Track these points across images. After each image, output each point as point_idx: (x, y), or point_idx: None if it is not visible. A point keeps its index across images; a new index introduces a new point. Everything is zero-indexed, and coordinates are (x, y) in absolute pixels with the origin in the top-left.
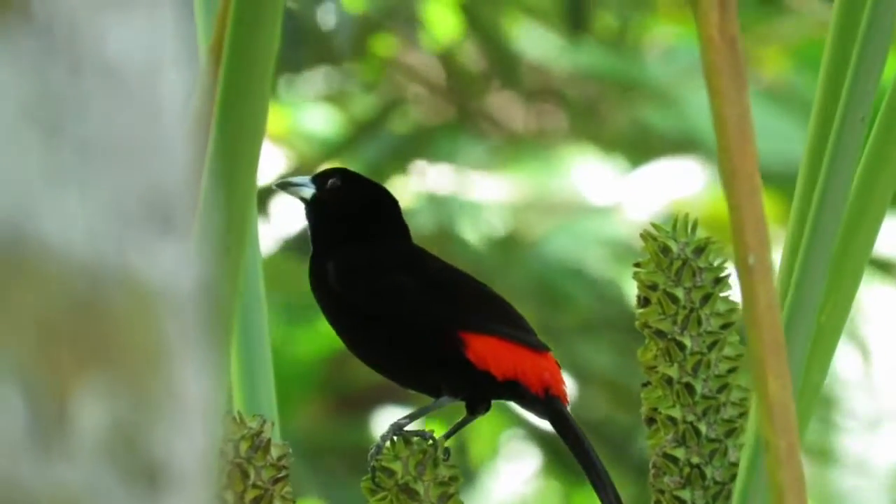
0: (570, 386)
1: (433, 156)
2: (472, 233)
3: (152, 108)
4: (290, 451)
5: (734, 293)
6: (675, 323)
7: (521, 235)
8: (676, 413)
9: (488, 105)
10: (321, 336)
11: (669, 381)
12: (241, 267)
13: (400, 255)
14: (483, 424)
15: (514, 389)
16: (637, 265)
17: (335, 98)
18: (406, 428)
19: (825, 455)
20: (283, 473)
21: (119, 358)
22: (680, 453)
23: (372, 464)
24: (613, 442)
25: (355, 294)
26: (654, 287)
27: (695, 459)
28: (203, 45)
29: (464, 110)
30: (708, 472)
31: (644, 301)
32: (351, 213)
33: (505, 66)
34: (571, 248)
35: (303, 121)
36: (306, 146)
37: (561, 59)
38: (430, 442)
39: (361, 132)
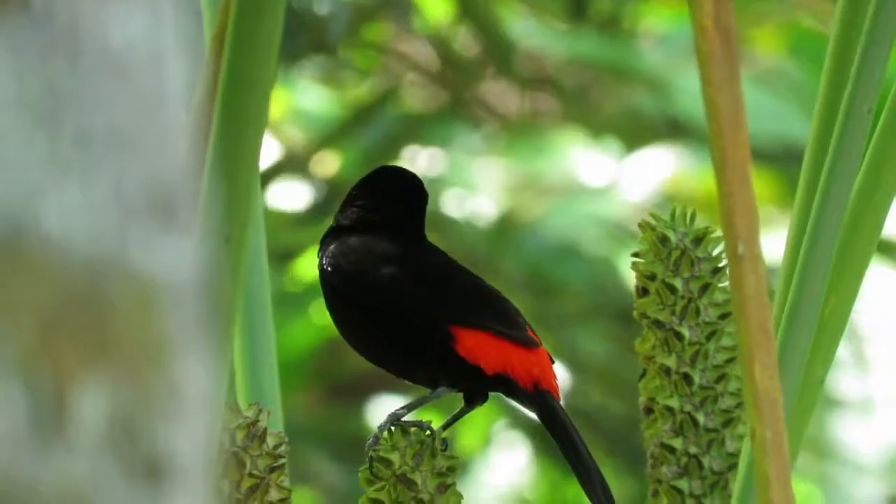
0: (564, 375)
1: (427, 141)
2: (466, 216)
3: (154, 100)
4: (286, 440)
5: None
6: (673, 313)
7: (515, 218)
8: (674, 403)
9: (482, 92)
10: (316, 324)
11: (667, 371)
12: (243, 258)
13: (396, 247)
14: (475, 415)
15: (504, 384)
16: (635, 255)
17: (330, 83)
18: (403, 418)
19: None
20: (279, 462)
21: (120, 351)
22: (678, 443)
23: (370, 454)
24: (609, 432)
25: (344, 283)
26: (652, 277)
27: (692, 449)
28: (208, 35)
29: (458, 97)
30: (706, 462)
31: (642, 291)
32: (362, 200)
33: (499, 53)
34: (566, 229)
35: (299, 105)
36: (301, 131)
37: (555, 45)
38: (428, 432)
39: (356, 118)
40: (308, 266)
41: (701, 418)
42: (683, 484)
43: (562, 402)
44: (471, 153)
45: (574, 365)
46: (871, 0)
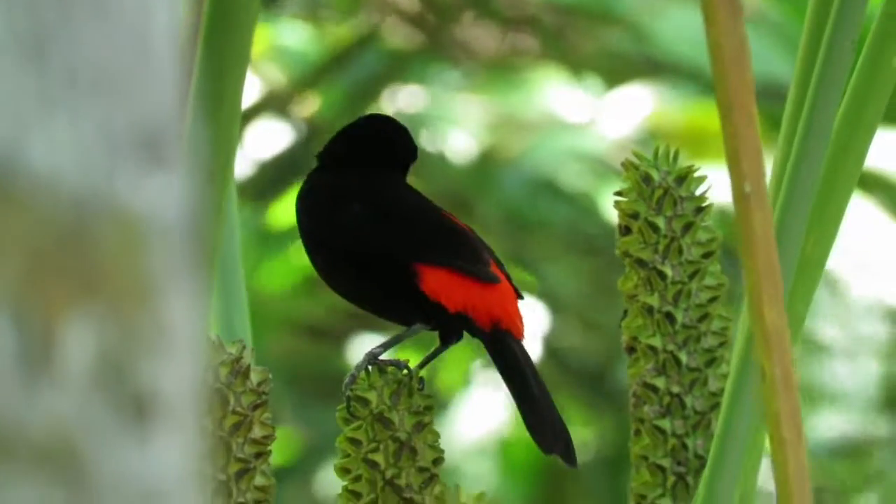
0: (542, 314)
1: (407, 80)
2: (446, 154)
3: (142, 38)
4: (270, 376)
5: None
6: (656, 252)
7: (495, 154)
8: (657, 342)
9: (462, 32)
10: (295, 263)
11: (650, 310)
12: (226, 194)
13: (362, 187)
14: (453, 354)
15: (465, 322)
16: (618, 193)
17: (312, 20)
18: (380, 357)
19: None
20: (262, 399)
21: (107, 288)
22: (660, 383)
23: (347, 393)
24: (587, 371)
25: (312, 223)
26: (635, 216)
27: (675, 389)
28: None
29: (437, 38)
30: (688, 401)
31: (625, 230)
32: (339, 144)
33: None
34: (546, 165)
35: (280, 42)
36: (282, 70)
37: None
38: (405, 371)
39: (337, 59)
40: (287, 207)
41: (684, 358)
42: (666, 423)
43: (525, 341)
44: (451, 91)
45: (553, 303)
46: None
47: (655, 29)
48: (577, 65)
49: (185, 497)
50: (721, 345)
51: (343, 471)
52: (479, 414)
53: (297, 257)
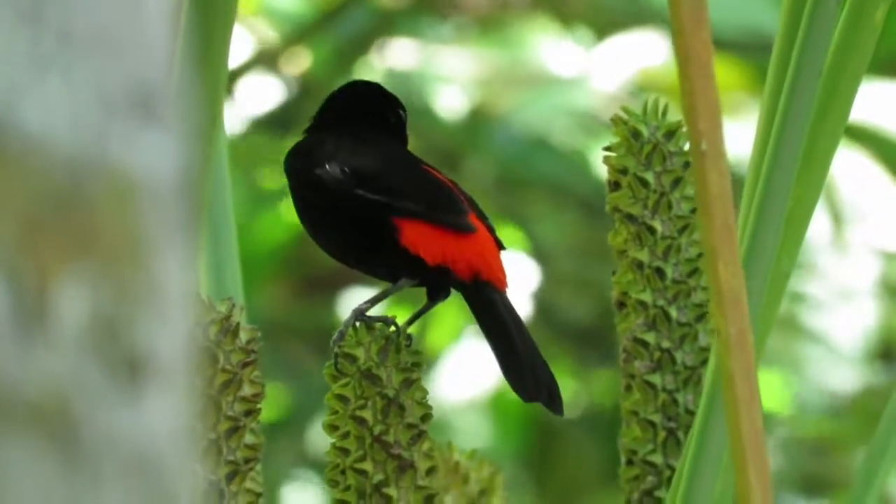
0: (532, 269)
1: (398, 35)
2: (437, 108)
3: None
4: (260, 334)
5: None
6: (645, 207)
7: (486, 109)
8: (647, 297)
9: None
10: (285, 218)
11: (640, 265)
12: (214, 150)
13: (344, 144)
14: (444, 310)
15: (446, 274)
16: (607, 149)
17: None
18: (368, 314)
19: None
20: (251, 357)
21: (100, 248)
22: (650, 338)
23: (335, 350)
24: (578, 327)
25: (296, 182)
26: (624, 171)
27: (665, 344)
28: None
29: None
30: (678, 356)
31: (614, 185)
32: (329, 108)
33: None
34: (537, 120)
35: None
36: (272, 26)
37: None
38: (393, 328)
39: (327, 15)
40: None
41: (674, 313)
42: (656, 378)
43: (508, 293)
44: (441, 45)
45: (543, 260)
46: None
47: None
48: (567, 17)
49: (177, 456)
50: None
51: (331, 427)
52: (470, 370)
53: (289, 214)
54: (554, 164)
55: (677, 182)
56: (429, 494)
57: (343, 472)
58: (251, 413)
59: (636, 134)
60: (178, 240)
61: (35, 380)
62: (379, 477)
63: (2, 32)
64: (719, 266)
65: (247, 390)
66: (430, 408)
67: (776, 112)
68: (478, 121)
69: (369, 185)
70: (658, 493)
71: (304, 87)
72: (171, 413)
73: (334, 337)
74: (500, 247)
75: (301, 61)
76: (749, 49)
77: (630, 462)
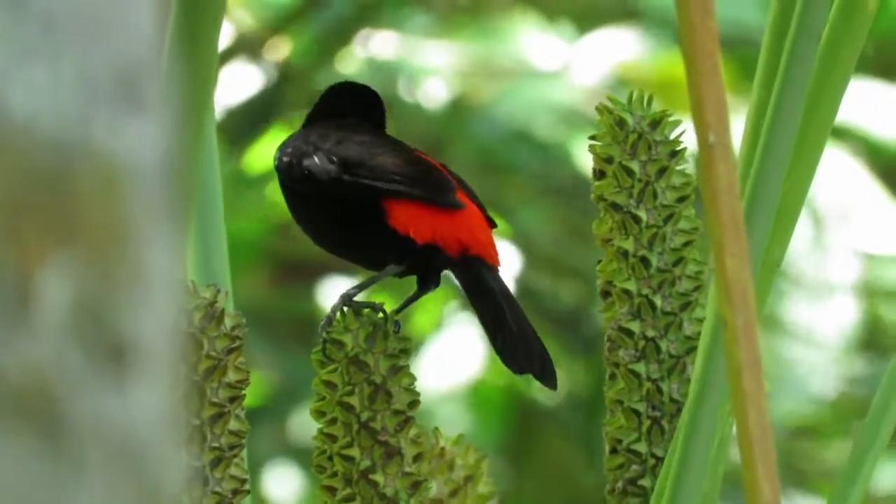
0: (515, 259)
1: (379, 25)
2: (418, 100)
3: None
4: (244, 321)
5: (690, 167)
6: (630, 196)
7: (468, 101)
8: (632, 286)
9: None
10: (269, 205)
11: (625, 254)
12: (202, 138)
13: (329, 135)
14: (425, 299)
15: (435, 253)
16: (593, 138)
17: None
18: (355, 300)
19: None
20: (236, 344)
21: (85, 234)
22: (635, 326)
23: (322, 336)
24: (563, 316)
25: (284, 174)
26: (609, 160)
27: (650, 333)
28: None
29: None
30: (663, 345)
31: (600, 174)
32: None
33: None
34: (518, 113)
35: None
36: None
37: None
38: (381, 314)
39: (308, 3)
40: (261, 151)
41: (658, 301)
42: (641, 367)
43: (500, 270)
44: (423, 36)
45: (527, 248)
46: None
47: None
48: (549, 10)
49: (162, 442)
50: (696, 289)
51: (318, 413)
52: (452, 357)
53: (273, 200)
54: (535, 157)
55: (663, 171)
56: (416, 481)
57: (330, 458)
58: (236, 399)
59: (621, 123)
60: (163, 226)
61: (18, 366)
62: (366, 463)
63: None
64: (726, 258)
65: (232, 377)
66: (417, 394)
67: (767, 102)
68: (459, 112)
69: (356, 170)
70: (642, 482)
71: (284, 76)
72: (155, 399)
73: (322, 323)
74: (492, 224)
75: (282, 49)
76: (734, 44)
77: (614, 451)
